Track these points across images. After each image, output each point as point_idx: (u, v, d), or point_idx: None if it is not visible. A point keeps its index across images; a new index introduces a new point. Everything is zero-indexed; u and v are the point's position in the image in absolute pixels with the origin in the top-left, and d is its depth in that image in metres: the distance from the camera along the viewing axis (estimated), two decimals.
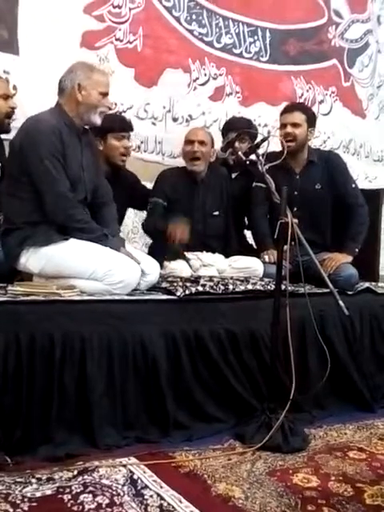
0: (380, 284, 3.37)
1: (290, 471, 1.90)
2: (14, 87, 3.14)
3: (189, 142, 3.08)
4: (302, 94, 4.54)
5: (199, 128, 3.32)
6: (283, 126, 3.15)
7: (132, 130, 3.05)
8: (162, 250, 3.03)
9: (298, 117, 3.13)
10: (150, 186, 3.24)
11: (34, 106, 2.87)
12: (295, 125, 3.11)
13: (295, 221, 2.23)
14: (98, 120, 2.52)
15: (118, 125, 2.94)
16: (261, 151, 2.44)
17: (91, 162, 2.59)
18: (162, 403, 2.16)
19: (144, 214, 3.67)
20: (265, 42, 4.34)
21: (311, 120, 3.18)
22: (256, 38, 4.29)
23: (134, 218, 3.83)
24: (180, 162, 3.40)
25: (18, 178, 2.41)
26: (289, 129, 3.10)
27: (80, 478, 1.75)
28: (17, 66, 3.26)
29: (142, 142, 3.81)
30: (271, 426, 2.09)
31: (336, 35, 4.71)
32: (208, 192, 3.16)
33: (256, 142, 2.58)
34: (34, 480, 1.72)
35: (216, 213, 3.17)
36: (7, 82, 2.91)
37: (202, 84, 4.07)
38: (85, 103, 2.47)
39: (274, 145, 2.88)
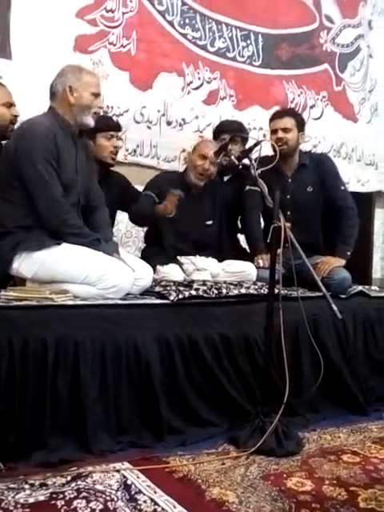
0: (373, 287, 3.39)
1: (284, 475, 1.90)
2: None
3: (202, 156, 3.06)
4: (294, 99, 4.55)
5: (211, 141, 3.29)
6: (274, 131, 3.18)
7: (120, 129, 3.06)
8: (155, 254, 3.03)
9: (288, 122, 3.16)
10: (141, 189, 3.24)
11: (27, 110, 2.86)
12: (286, 130, 3.14)
13: (288, 225, 2.24)
14: (91, 121, 2.53)
15: (106, 124, 2.94)
16: (254, 155, 2.45)
17: (85, 166, 2.59)
18: (155, 408, 2.15)
19: None
20: (257, 47, 4.35)
21: (301, 124, 3.22)
22: (249, 42, 4.31)
23: (127, 222, 3.83)
24: (174, 167, 3.40)
25: (11, 182, 2.41)
26: (280, 134, 3.13)
27: (73, 484, 1.74)
28: (9, 70, 3.25)
29: (137, 146, 3.81)
30: (265, 430, 2.09)
31: (327, 40, 4.74)
32: (202, 201, 3.17)
33: (249, 146, 2.59)
34: (27, 486, 1.71)
35: (210, 222, 3.18)
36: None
37: (196, 88, 4.08)
38: (77, 105, 2.48)
39: (267, 149, 2.89)
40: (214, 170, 3.10)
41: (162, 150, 3.90)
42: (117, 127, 3.02)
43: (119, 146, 3.03)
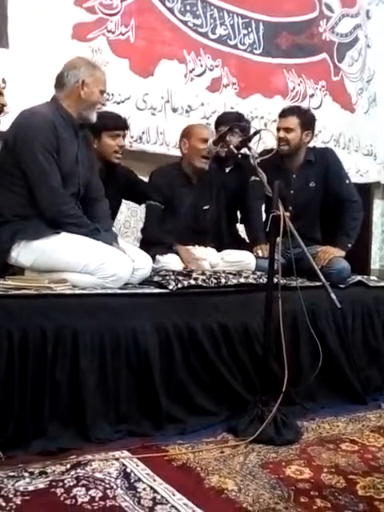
0: (372, 277, 3.39)
1: (283, 463, 1.91)
2: (4, 80, 3.11)
3: (204, 140, 3.02)
4: (294, 88, 4.53)
5: (205, 125, 3.30)
6: (278, 129, 3.19)
7: (127, 128, 3.04)
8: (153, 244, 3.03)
9: (292, 121, 3.15)
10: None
11: (25, 98, 2.85)
12: (288, 129, 3.14)
13: (287, 214, 2.24)
14: (94, 117, 2.54)
15: (112, 123, 2.91)
16: (254, 145, 2.44)
17: (86, 157, 2.59)
18: (154, 397, 2.16)
19: (136, 207, 3.70)
20: (258, 34, 4.33)
21: (307, 123, 3.19)
22: (250, 29, 4.28)
23: (126, 212, 3.83)
24: None
25: (11, 171, 2.40)
26: (281, 134, 3.15)
27: (73, 472, 1.74)
28: (7, 59, 3.22)
29: (143, 133, 3.78)
30: (264, 419, 2.10)
31: (327, 29, 4.72)
32: (199, 187, 3.16)
33: (248, 135, 2.58)
34: (26, 474, 1.71)
35: (206, 207, 3.16)
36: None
37: (199, 75, 4.05)
38: (86, 100, 2.47)
39: (269, 139, 2.89)
40: (213, 153, 3.08)
41: (170, 137, 3.85)
42: (123, 126, 2.99)
43: (124, 144, 2.99)
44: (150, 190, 3.10)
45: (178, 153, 3.48)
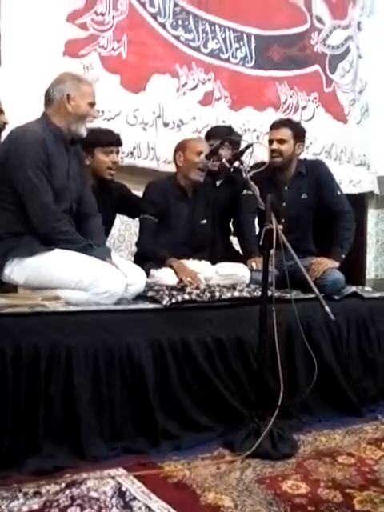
0: (366, 288, 3.39)
1: (280, 478, 1.90)
2: None
3: (199, 153, 3.01)
4: (286, 100, 4.56)
5: (200, 138, 3.31)
6: (270, 142, 3.19)
7: (120, 144, 3.02)
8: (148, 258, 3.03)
9: (285, 133, 3.17)
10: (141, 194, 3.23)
11: (18, 115, 2.85)
12: (281, 141, 3.15)
13: (280, 227, 2.24)
14: (84, 131, 2.53)
15: (106, 139, 2.91)
16: (246, 158, 2.45)
17: (78, 173, 2.59)
18: (150, 413, 2.14)
19: (130, 221, 3.70)
20: (250, 48, 4.35)
21: (299, 135, 3.22)
22: (242, 43, 4.31)
23: (120, 226, 3.83)
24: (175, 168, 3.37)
25: (2, 188, 2.40)
26: (274, 145, 3.16)
27: (68, 491, 1.73)
28: None
29: (134, 148, 3.79)
30: (260, 433, 2.09)
31: (318, 41, 4.75)
32: (196, 201, 3.16)
33: (240, 149, 2.59)
34: (20, 494, 1.70)
35: (203, 221, 3.17)
36: None
37: (191, 89, 4.07)
38: (74, 113, 2.48)
39: (260, 152, 2.90)
40: (209, 166, 3.08)
41: (161, 152, 3.87)
42: (117, 142, 2.98)
43: (117, 160, 2.98)
44: (145, 203, 3.10)
45: (168, 168, 3.50)
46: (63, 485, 1.77)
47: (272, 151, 3.14)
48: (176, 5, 3.97)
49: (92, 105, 2.54)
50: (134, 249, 3.47)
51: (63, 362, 2.01)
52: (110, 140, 2.95)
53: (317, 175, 3.27)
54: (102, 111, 3.55)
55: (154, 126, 3.89)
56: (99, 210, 2.71)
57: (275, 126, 3.24)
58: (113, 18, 3.70)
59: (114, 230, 3.69)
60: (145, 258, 3.00)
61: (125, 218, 3.68)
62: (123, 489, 1.77)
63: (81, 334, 2.10)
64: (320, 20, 4.78)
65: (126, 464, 1.94)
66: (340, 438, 2.33)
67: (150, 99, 3.86)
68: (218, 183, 3.43)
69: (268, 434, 2.09)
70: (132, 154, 3.77)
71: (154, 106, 3.89)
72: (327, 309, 2.15)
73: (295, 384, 2.48)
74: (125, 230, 3.87)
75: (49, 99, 2.50)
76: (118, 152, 3.01)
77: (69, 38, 3.52)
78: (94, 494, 1.72)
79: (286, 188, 3.24)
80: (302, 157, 3.35)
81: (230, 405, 2.32)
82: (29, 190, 2.35)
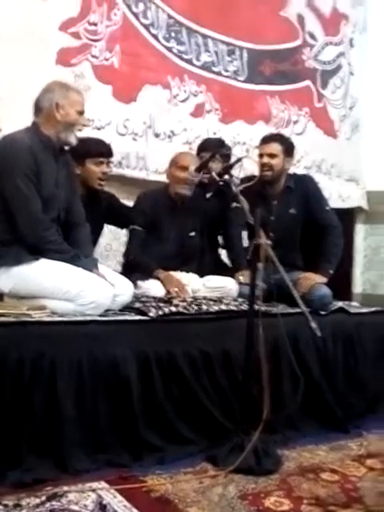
0: (353, 303, 3.40)
1: (262, 494, 1.88)
2: None
3: (181, 167, 3.03)
4: (277, 114, 4.59)
5: (189, 153, 3.32)
6: (260, 156, 3.21)
7: (111, 155, 3.02)
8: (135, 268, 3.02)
9: (275, 148, 3.19)
10: (131, 203, 3.23)
11: (9, 123, 2.85)
12: (272, 155, 3.18)
13: (269, 242, 2.24)
14: (73, 139, 2.53)
15: (96, 149, 2.91)
16: (236, 172, 2.46)
17: (66, 182, 2.58)
18: (134, 425, 2.12)
19: (118, 231, 3.69)
20: (242, 62, 4.39)
21: (288, 150, 3.25)
22: (234, 56, 4.35)
23: (108, 236, 3.81)
24: (164, 179, 3.38)
25: None
26: (265, 159, 3.18)
27: (48, 504, 1.70)
28: None
29: (123, 158, 3.79)
30: (244, 448, 2.07)
31: (310, 57, 4.80)
32: (186, 213, 3.17)
33: (230, 162, 2.60)
34: (0, 507, 1.67)
35: (192, 234, 3.17)
36: None
37: (183, 100, 4.09)
38: (63, 122, 2.48)
39: (250, 165, 2.91)
40: (195, 181, 3.09)
41: (151, 163, 3.88)
42: (108, 153, 2.98)
43: (107, 171, 2.98)
44: (135, 213, 3.11)
45: (158, 178, 3.49)
46: (44, 498, 1.75)
47: (262, 165, 3.17)
48: (169, 17, 4.00)
49: (81, 113, 2.54)
50: (122, 259, 3.46)
51: (47, 372, 1.98)
52: (101, 151, 2.95)
53: (305, 190, 3.29)
54: (93, 120, 3.55)
55: (144, 137, 3.89)
56: (87, 220, 2.71)
57: (266, 140, 3.25)
58: (106, 27, 3.71)
59: (102, 240, 3.66)
60: (132, 268, 2.99)
61: (113, 227, 3.67)
62: (104, 502, 1.74)
63: (66, 344, 2.07)
64: (312, 36, 4.84)
65: (107, 477, 1.92)
66: (324, 454, 2.32)
67: (141, 109, 3.88)
68: (208, 195, 3.44)
69: (252, 448, 2.08)
70: (121, 163, 3.77)
71: (145, 116, 3.90)
72: (313, 325, 2.15)
73: (280, 399, 2.47)
74: (113, 239, 3.85)
75: (38, 108, 2.51)
76: (108, 163, 3.00)
77: (61, 46, 3.53)
78: (74, 507, 1.70)
79: (275, 202, 3.25)
80: (291, 171, 3.37)
81: (215, 419, 2.30)
82: (17, 199, 2.35)
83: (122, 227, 3.41)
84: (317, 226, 3.26)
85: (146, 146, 3.91)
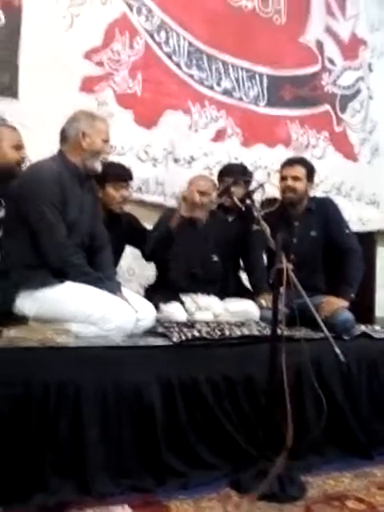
0: (376, 327, 3.36)
1: None
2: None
3: (198, 191, 3.06)
4: (297, 139, 4.62)
5: (203, 177, 3.32)
6: (284, 178, 3.22)
7: (131, 178, 3.07)
8: (158, 291, 3.03)
9: (299, 171, 3.21)
10: (150, 227, 3.25)
11: (33, 149, 2.91)
12: (296, 178, 3.19)
13: (290, 266, 2.25)
14: (99, 166, 2.59)
15: (115, 173, 2.96)
16: (257, 197, 2.48)
17: (91, 207, 2.63)
18: (157, 450, 2.12)
19: (140, 253, 3.71)
20: (262, 87, 4.44)
21: (310, 174, 3.26)
22: (254, 82, 4.40)
23: (129, 258, 3.84)
24: None
25: (17, 222, 2.44)
26: (289, 182, 3.18)
27: None
28: (16, 109, 3.32)
29: (143, 184, 3.84)
30: (267, 474, 2.06)
31: (329, 82, 4.83)
32: (208, 237, 3.18)
33: (251, 188, 2.62)
34: None
35: (215, 259, 3.18)
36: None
37: (203, 126, 4.15)
38: (89, 150, 2.53)
39: (270, 188, 2.93)
40: (206, 201, 3.10)
41: (169, 187, 3.93)
42: (127, 177, 3.03)
43: (127, 195, 3.03)
44: (156, 225, 3.14)
45: (175, 203, 3.54)
46: None
47: (286, 187, 3.17)
48: (190, 44, 4.08)
49: (106, 141, 2.60)
50: (144, 282, 3.49)
51: (72, 397, 2.00)
52: (121, 175, 3.00)
53: (325, 212, 3.29)
54: (114, 146, 3.61)
55: (164, 162, 3.95)
56: (109, 241, 2.74)
57: (290, 163, 3.27)
58: (128, 57, 3.80)
59: (124, 262, 3.69)
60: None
61: (135, 251, 3.70)
62: None
63: (90, 370, 2.09)
64: (331, 61, 4.87)
65: (131, 502, 1.93)
66: (348, 481, 2.29)
67: (162, 135, 3.94)
68: (230, 219, 3.46)
69: (276, 475, 2.06)
70: (140, 189, 3.83)
71: (165, 142, 3.96)
72: (337, 350, 2.13)
73: (304, 424, 2.44)
74: (133, 260, 3.86)
75: (64, 137, 2.57)
76: (127, 187, 3.04)
77: (85, 74, 3.61)
78: None
79: (296, 223, 3.25)
80: (311, 194, 3.37)
81: (238, 444, 2.29)
82: (43, 226, 2.39)
83: (142, 248, 3.42)
84: (337, 249, 3.25)
85: (166, 172, 3.97)
